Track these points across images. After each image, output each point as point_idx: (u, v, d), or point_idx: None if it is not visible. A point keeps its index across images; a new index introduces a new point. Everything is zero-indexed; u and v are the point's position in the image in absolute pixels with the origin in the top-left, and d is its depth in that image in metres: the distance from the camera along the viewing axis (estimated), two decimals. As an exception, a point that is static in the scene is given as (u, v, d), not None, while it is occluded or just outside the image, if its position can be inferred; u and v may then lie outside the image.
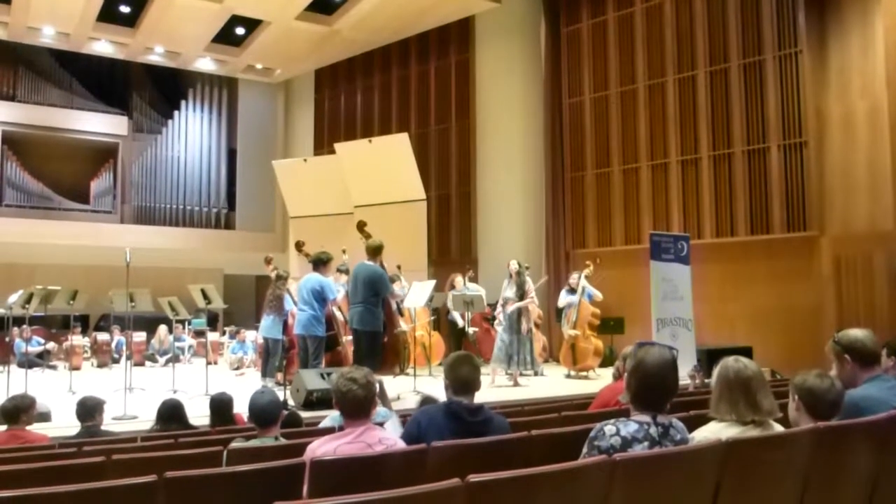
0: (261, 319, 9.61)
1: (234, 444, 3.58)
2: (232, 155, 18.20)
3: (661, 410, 2.55)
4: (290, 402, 6.98)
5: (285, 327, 8.93)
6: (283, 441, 3.69)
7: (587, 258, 10.81)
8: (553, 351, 11.64)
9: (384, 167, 12.60)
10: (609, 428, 2.49)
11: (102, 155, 17.29)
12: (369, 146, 13.06)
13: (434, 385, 8.40)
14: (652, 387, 2.55)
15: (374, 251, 7.67)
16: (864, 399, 3.07)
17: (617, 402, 4.36)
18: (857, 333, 3.30)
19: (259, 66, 16.93)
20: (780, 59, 10.59)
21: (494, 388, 8.69)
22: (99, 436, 4.90)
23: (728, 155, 11.09)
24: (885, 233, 9.55)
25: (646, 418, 2.52)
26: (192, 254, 16.92)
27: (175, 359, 10.75)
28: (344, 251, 10.18)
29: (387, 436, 3.02)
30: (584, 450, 2.53)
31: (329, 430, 3.80)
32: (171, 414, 5.06)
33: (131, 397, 7.72)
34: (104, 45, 15.60)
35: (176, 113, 17.81)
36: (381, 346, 7.57)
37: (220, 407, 5.06)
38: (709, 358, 7.78)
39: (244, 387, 8.02)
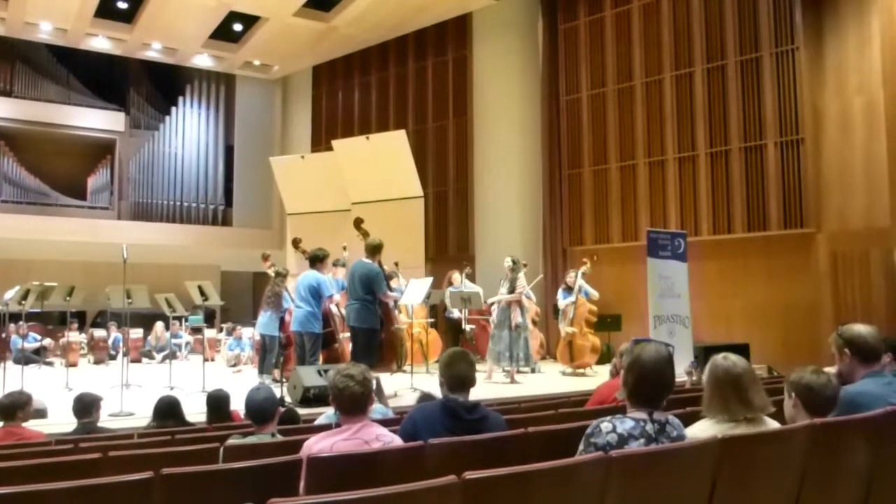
0: (258, 316, 9.61)
1: (231, 441, 3.58)
2: (229, 151, 18.16)
3: (658, 407, 2.56)
4: (287, 399, 6.98)
5: (282, 324, 8.94)
6: (279, 438, 3.69)
7: (584, 255, 10.82)
8: (550, 348, 11.65)
9: (382, 164, 12.60)
10: (605, 425, 2.50)
11: (99, 151, 17.25)
12: (367, 143, 13.06)
13: (431, 382, 8.41)
14: (648, 384, 2.55)
15: (373, 250, 7.67)
16: (860, 395, 3.08)
17: (614, 398, 4.37)
18: (860, 329, 3.30)
19: (257, 63, 16.90)
20: (777, 56, 10.59)
21: (491, 384, 8.70)
22: (95, 432, 4.89)
23: (725, 152, 11.10)
24: (882, 229, 9.56)
25: (642, 415, 2.53)
26: (189, 250, 16.91)
27: (172, 355, 10.77)
28: (344, 247, 10.18)
29: (384, 433, 3.02)
30: (581, 447, 2.53)
31: (326, 427, 3.81)
32: (168, 411, 5.06)
33: (128, 394, 7.72)
34: (101, 41, 15.56)
35: (173, 109, 17.77)
36: (378, 343, 7.57)
37: (217, 404, 5.06)
38: (706, 355, 7.77)
39: (241, 383, 8.03)
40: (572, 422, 3.53)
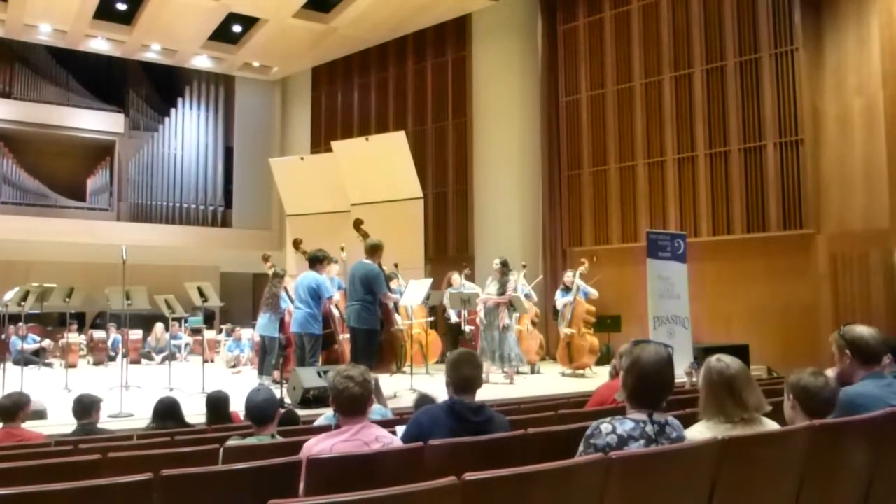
0: (257, 317, 9.61)
1: (231, 442, 3.57)
2: (229, 153, 18.16)
3: (658, 408, 2.56)
4: (287, 400, 6.97)
5: (282, 325, 8.93)
6: (279, 439, 3.69)
7: (584, 256, 10.82)
8: (550, 349, 11.65)
9: (381, 165, 12.60)
10: (605, 426, 2.49)
11: (99, 152, 17.25)
12: (366, 144, 13.06)
13: (431, 383, 8.42)
14: (648, 385, 2.55)
15: (372, 250, 7.66)
16: (859, 396, 3.08)
17: (613, 400, 4.37)
18: (862, 330, 3.29)
19: (256, 64, 16.90)
20: (777, 57, 10.60)
21: (489, 385, 8.69)
22: (95, 433, 4.89)
23: (724, 153, 11.10)
24: (881, 230, 9.57)
25: (642, 416, 2.53)
26: (189, 251, 16.90)
27: (171, 357, 10.75)
28: (342, 248, 10.18)
29: (383, 434, 3.02)
30: (581, 448, 2.53)
31: (326, 428, 3.80)
32: (168, 412, 5.06)
33: (127, 395, 7.71)
34: (101, 43, 15.55)
35: (173, 110, 17.76)
36: (377, 344, 7.57)
37: (217, 405, 5.06)
38: (705, 356, 7.77)
39: (240, 385, 8.03)
40: (572, 423, 3.53)
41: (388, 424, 3.60)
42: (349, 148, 13.38)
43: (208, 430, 4.62)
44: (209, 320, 13.89)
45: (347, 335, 8.07)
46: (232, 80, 18.01)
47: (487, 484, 2.07)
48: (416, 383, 8.26)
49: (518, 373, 9.92)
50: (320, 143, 16.39)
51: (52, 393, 8.08)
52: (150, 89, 18.04)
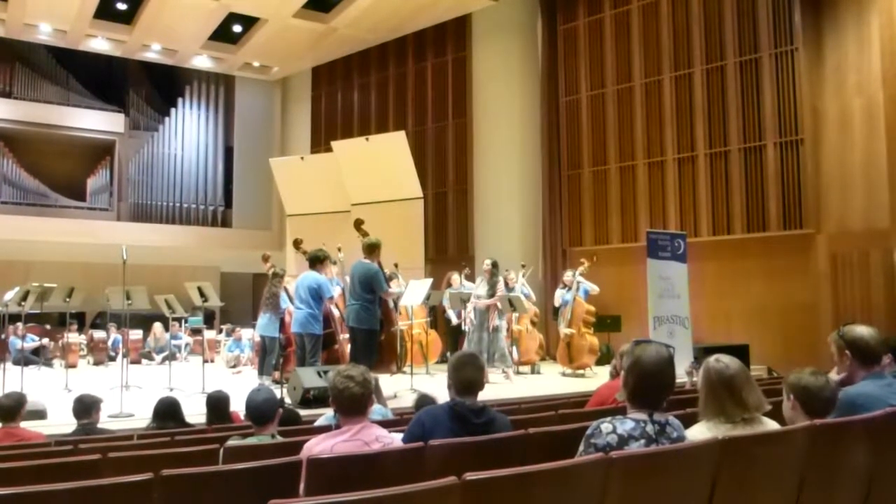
0: (257, 317, 9.60)
1: (231, 442, 3.57)
2: (229, 152, 18.16)
3: (658, 408, 2.56)
4: (287, 400, 6.97)
5: (282, 325, 8.93)
6: (279, 439, 3.69)
7: (584, 256, 10.82)
8: (550, 349, 11.64)
9: (381, 165, 12.60)
10: (606, 425, 2.49)
11: (99, 152, 17.25)
12: (366, 144, 13.06)
13: (431, 383, 8.42)
14: (649, 385, 2.55)
15: (370, 249, 7.66)
16: (860, 396, 3.08)
17: (614, 399, 4.37)
18: (861, 331, 3.29)
19: (256, 64, 16.90)
20: (777, 57, 10.60)
21: (488, 385, 8.67)
22: (95, 433, 4.89)
23: (724, 153, 11.10)
24: (881, 230, 9.57)
25: (642, 416, 2.53)
26: (189, 251, 16.91)
27: (171, 357, 10.74)
28: (339, 249, 10.18)
29: (384, 433, 3.02)
30: (581, 447, 2.53)
31: (326, 428, 3.80)
32: (168, 412, 5.05)
33: (127, 395, 7.71)
34: (101, 43, 15.55)
35: (173, 110, 17.77)
36: (377, 343, 7.57)
37: (217, 405, 5.06)
38: (705, 356, 7.77)
39: (241, 385, 8.03)
40: (572, 423, 3.53)
41: (388, 425, 3.60)
42: (349, 148, 13.38)
43: (208, 430, 4.62)
44: (209, 320, 13.89)
45: (347, 335, 8.07)
46: (232, 80, 18.01)
47: (488, 484, 2.07)
48: (416, 383, 8.25)
49: (518, 373, 9.93)
50: (320, 143, 16.39)
51: (52, 393, 8.08)
52: (151, 89, 18.05)
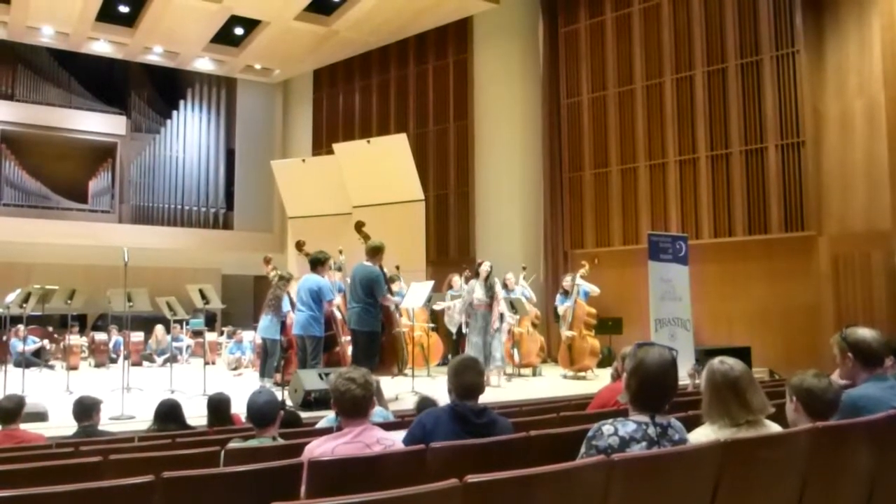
0: (259, 320, 9.60)
1: (232, 445, 3.57)
2: (230, 155, 18.18)
3: (660, 410, 2.55)
4: (288, 403, 6.97)
5: (283, 327, 8.92)
6: (280, 441, 3.68)
7: (585, 258, 10.83)
8: (551, 351, 11.64)
9: (383, 167, 12.61)
10: (607, 428, 2.49)
11: (101, 154, 17.28)
12: (368, 146, 13.08)
13: (432, 386, 8.41)
14: (652, 387, 2.54)
15: (373, 252, 7.66)
16: (862, 398, 3.07)
17: (615, 402, 4.36)
18: (864, 333, 3.28)
19: (258, 67, 16.92)
20: (778, 59, 10.60)
21: (489, 388, 8.68)
22: (96, 436, 4.89)
23: (726, 155, 11.10)
24: (883, 232, 9.56)
25: (644, 418, 2.52)
26: (190, 254, 16.91)
27: (173, 359, 10.77)
28: (340, 251, 10.18)
29: (385, 436, 3.02)
30: (582, 450, 2.52)
31: (327, 431, 3.80)
32: (169, 414, 5.05)
33: (129, 397, 7.71)
34: (103, 45, 15.57)
35: (174, 113, 17.80)
36: (379, 346, 7.56)
37: (218, 407, 5.05)
38: (707, 358, 7.76)
39: (242, 387, 8.02)
40: (574, 425, 3.52)
41: (389, 427, 3.59)
42: (350, 150, 13.40)
43: (209, 433, 4.62)
44: (210, 322, 13.89)
45: (349, 337, 8.06)
46: (234, 83, 18.04)
47: (489, 486, 2.06)
48: (417, 386, 8.26)
49: (519, 375, 9.93)
50: (322, 146, 16.41)
51: (53, 395, 8.08)
52: (152, 91, 18.07)
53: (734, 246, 10.93)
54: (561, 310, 10.48)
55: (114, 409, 6.80)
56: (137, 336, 12.51)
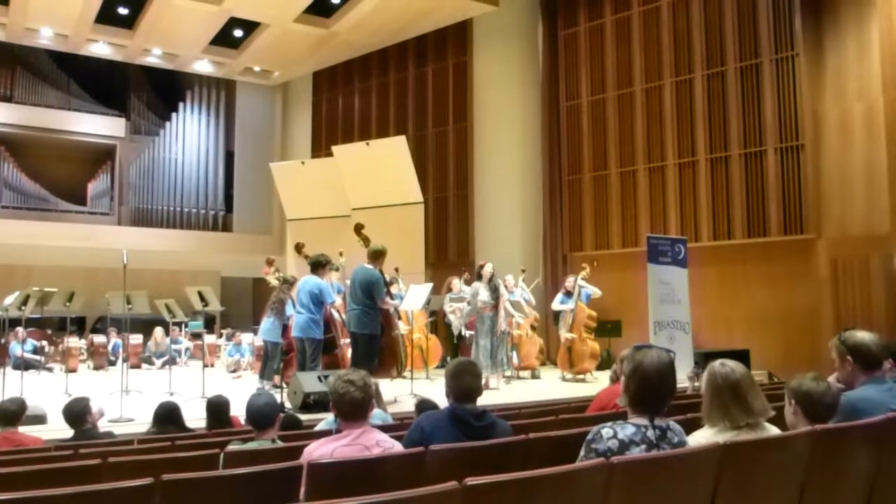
0: (260, 321, 9.59)
1: (231, 447, 3.57)
2: (230, 157, 18.18)
3: (659, 413, 2.55)
4: (288, 405, 6.96)
5: (285, 330, 8.92)
6: (280, 444, 3.68)
7: (584, 261, 10.83)
8: (550, 354, 11.64)
9: (382, 170, 12.61)
10: (606, 431, 2.49)
11: (100, 156, 17.28)
12: (367, 149, 13.08)
13: (431, 388, 8.41)
14: (650, 390, 2.55)
15: (375, 255, 7.66)
16: (861, 401, 3.07)
17: (614, 405, 4.36)
18: (863, 336, 3.29)
19: (257, 69, 16.93)
20: (777, 63, 10.62)
21: (487, 391, 8.67)
22: (95, 438, 4.88)
23: (725, 158, 11.11)
24: (882, 235, 9.57)
25: (643, 421, 2.52)
26: (190, 256, 16.91)
27: (172, 361, 10.75)
28: (340, 253, 10.18)
29: (384, 438, 3.02)
30: (582, 453, 2.52)
31: (327, 433, 3.80)
32: (168, 416, 5.04)
33: (128, 400, 7.70)
34: (102, 47, 15.58)
35: (174, 115, 17.80)
36: (378, 348, 7.56)
37: (217, 409, 5.04)
38: (706, 361, 7.77)
39: (241, 389, 8.02)
40: (573, 428, 3.52)
41: (388, 429, 3.59)
42: (350, 152, 13.39)
43: (209, 435, 4.61)
44: (209, 325, 13.89)
45: (348, 340, 8.06)
46: (233, 85, 18.04)
47: (488, 489, 2.06)
48: (416, 388, 8.25)
49: (518, 378, 9.93)
50: (321, 148, 16.41)
51: (52, 397, 8.06)
52: (152, 93, 18.08)
53: (733, 249, 10.94)
54: (557, 307, 10.46)
55: (113, 411, 6.78)
56: (136, 338, 12.49)
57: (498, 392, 8.64)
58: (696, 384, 6.14)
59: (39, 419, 6.29)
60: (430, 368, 10.49)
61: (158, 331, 12.92)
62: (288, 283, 9.20)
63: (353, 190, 12.99)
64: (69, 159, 17.19)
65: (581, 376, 10.06)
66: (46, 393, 8.46)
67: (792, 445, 2.69)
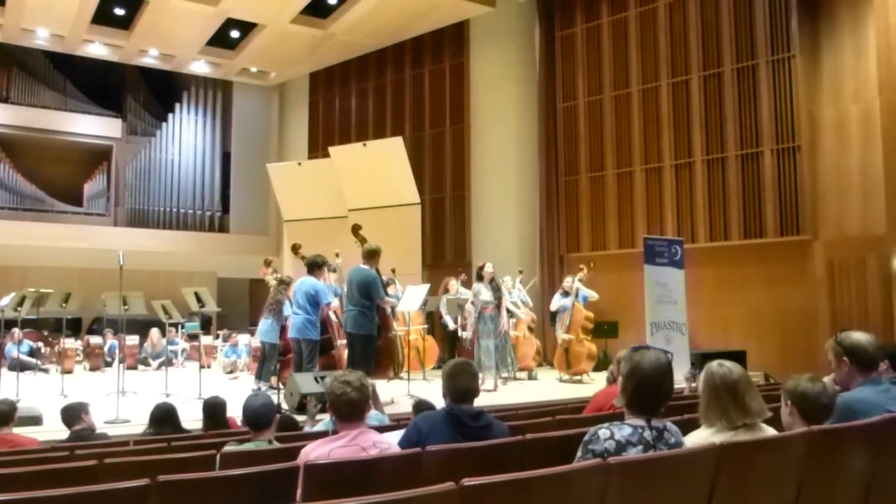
0: (256, 322, 9.58)
1: (228, 448, 3.56)
2: (226, 158, 18.15)
3: (656, 414, 2.55)
4: (284, 406, 6.95)
5: (282, 331, 8.91)
6: (276, 445, 3.68)
7: (581, 262, 10.83)
8: (547, 355, 11.64)
9: (379, 171, 12.61)
10: (603, 431, 2.49)
11: (96, 157, 17.25)
12: (364, 150, 13.07)
13: (427, 389, 8.41)
14: (647, 391, 2.55)
15: (369, 255, 7.66)
16: (857, 402, 3.08)
17: (611, 405, 4.37)
18: (859, 337, 3.30)
19: (254, 69, 16.91)
20: (774, 64, 10.64)
21: (485, 391, 8.67)
22: (91, 439, 4.87)
23: (722, 159, 11.13)
24: (878, 236, 9.59)
25: (640, 422, 2.52)
26: (186, 257, 16.88)
27: (168, 362, 10.73)
28: (337, 254, 10.17)
29: (381, 439, 3.01)
30: (579, 453, 2.52)
31: (323, 434, 3.79)
32: (164, 417, 5.03)
33: (124, 401, 7.67)
34: (98, 48, 15.55)
35: (170, 115, 17.76)
36: (374, 349, 7.55)
37: (214, 410, 5.04)
38: (703, 362, 7.77)
39: (237, 390, 8.01)
40: (570, 428, 3.52)
41: (385, 430, 3.59)
42: (347, 153, 13.39)
43: (205, 436, 4.61)
44: (206, 326, 13.86)
45: (345, 341, 8.05)
46: (230, 86, 18.02)
47: (485, 489, 2.06)
48: (413, 389, 8.25)
49: (515, 378, 9.93)
50: (318, 149, 16.39)
51: (48, 398, 8.05)
52: (148, 94, 18.04)
53: (730, 250, 10.96)
54: (555, 306, 10.46)
55: (109, 412, 6.78)
56: (132, 339, 12.49)
57: (495, 393, 8.64)
58: (693, 385, 6.14)
59: (35, 420, 6.28)
60: (427, 369, 10.49)
61: (155, 332, 12.90)
62: (285, 283, 9.19)
63: (350, 191, 12.99)
64: (65, 160, 17.16)
65: (578, 377, 10.07)
66: (42, 394, 8.44)
67: (788, 446, 2.70)
